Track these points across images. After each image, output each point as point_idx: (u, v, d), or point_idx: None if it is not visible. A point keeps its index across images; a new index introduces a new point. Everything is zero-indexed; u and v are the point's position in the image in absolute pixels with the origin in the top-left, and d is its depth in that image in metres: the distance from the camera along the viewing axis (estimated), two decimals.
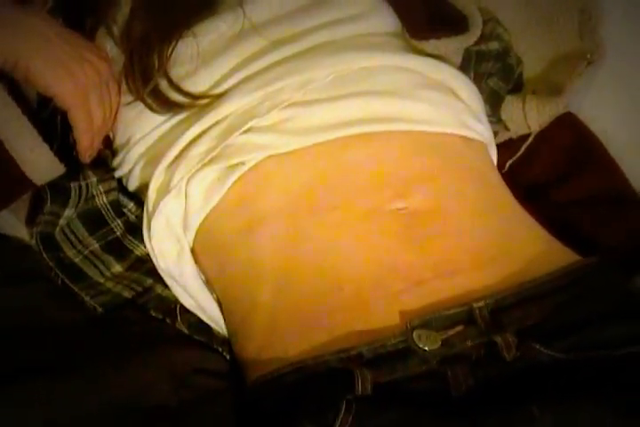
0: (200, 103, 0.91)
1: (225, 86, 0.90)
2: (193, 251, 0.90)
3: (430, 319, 0.78)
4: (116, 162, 0.95)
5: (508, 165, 1.07)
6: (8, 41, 0.84)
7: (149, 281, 0.93)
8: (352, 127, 0.86)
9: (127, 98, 0.93)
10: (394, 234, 0.83)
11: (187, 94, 0.90)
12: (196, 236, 0.89)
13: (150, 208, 0.89)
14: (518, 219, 0.90)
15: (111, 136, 0.96)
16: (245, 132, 0.87)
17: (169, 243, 0.90)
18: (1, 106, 0.84)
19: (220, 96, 0.90)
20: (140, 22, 0.94)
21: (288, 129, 0.87)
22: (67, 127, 0.90)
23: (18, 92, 0.89)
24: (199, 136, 0.88)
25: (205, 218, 0.88)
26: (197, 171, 0.87)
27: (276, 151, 0.86)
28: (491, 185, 0.92)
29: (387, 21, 0.99)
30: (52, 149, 0.87)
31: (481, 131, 0.95)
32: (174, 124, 0.91)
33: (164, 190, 0.88)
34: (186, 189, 0.87)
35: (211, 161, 0.87)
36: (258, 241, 0.85)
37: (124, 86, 0.94)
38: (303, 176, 0.86)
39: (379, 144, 0.87)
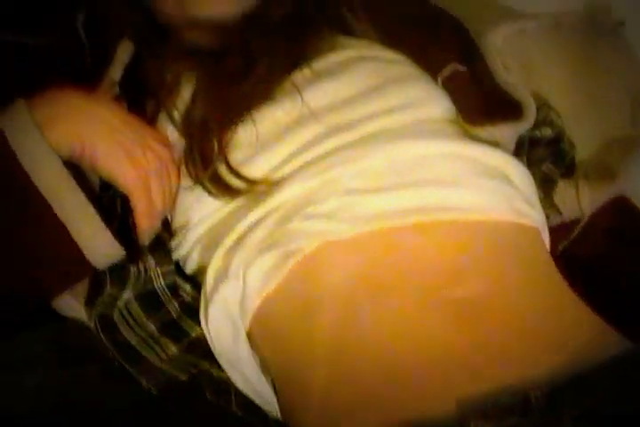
0: (258, 189, 0.91)
1: (283, 172, 0.92)
2: (249, 334, 0.91)
3: (486, 408, 0.77)
4: (173, 244, 0.96)
5: (559, 248, 1.06)
6: (76, 129, 0.87)
7: (205, 364, 0.93)
8: (407, 216, 0.87)
9: (186, 182, 0.94)
10: (449, 321, 0.83)
11: (245, 180, 0.92)
12: (252, 320, 0.90)
13: (208, 292, 0.90)
14: (570, 304, 0.90)
15: (169, 218, 0.97)
16: (303, 218, 0.88)
17: (225, 326, 0.91)
18: (66, 191, 0.85)
19: (278, 182, 0.91)
20: (200, 108, 0.96)
21: (345, 216, 0.88)
22: (127, 210, 0.92)
23: (82, 176, 0.90)
24: (257, 222, 0.89)
25: (262, 302, 0.88)
26: (255, 256, 0.87)
27: (332, 238, 0.87)
28: (543, 271, 0.92)
29: (442, 107, 1.00)
30: (111, 231, 0.88)
31: (534, 216, 0.96)
32: (232, 208, 0.92)
33: (222, 275, 0.89)
34: (244, 275, 0.88)
35: (268, 247, 0.87)
36: (314, 326, 0.86)
37: (183, 170, 0.95)
38: (359, 263, 0.86)
39: (434, 233, 0.87)
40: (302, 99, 0.95)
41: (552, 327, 0.86)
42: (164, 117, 0.99)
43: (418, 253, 0.87)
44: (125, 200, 0.92)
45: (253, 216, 0.90)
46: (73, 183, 0.86)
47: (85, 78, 1.02)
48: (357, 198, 0.89)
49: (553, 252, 1.04)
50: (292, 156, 0.93)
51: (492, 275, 0.87)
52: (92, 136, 0.88)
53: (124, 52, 1.05)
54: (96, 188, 0.94)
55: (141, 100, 1.03)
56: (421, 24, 1.11)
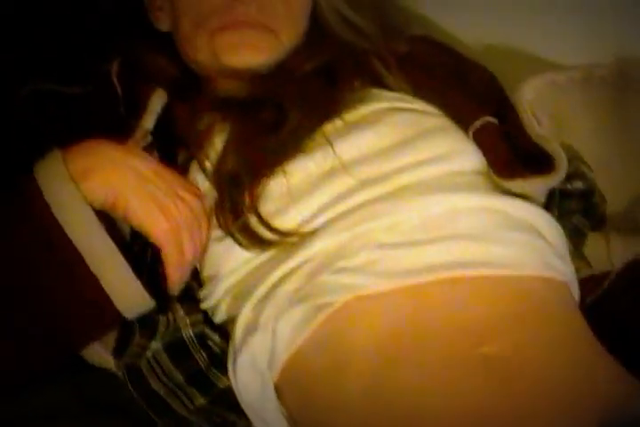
0: (289, 241, 0.91)
1: (314, 225, 0.92)
2: (277, 387, 0.91)
3: None
4: (202, 294, 0.96)
5: (588, 301, 1.06)
6: (109, 181, 0.88)
7: (232, 415, 0.93)
8: (438, 272, 0.87)
9: (217, 233, 0.95)
10: (478, 379, 0.83)
11: (276, 232, 0.92)
12: (280, 372, 0.90)
13: (237, 344, 0.90)
14: (599, 360, 0.89)
15: (198, 268, 0.97)
16: (333, 272, 0.88)
17: (253, 378, 0.91)
18: (98, 242, 0.86)
19: (309, 235, 0.91)
20: (232, 159, 0.97)
21: (376, 270, 0.88)
22: (157, 260, 0.92)
23: (112, 225, 0.91)
24: (288, 274, 0.90)
25: (291, 356, 0.88)
26: (285, 309, 0.87)
27: (363, 292, 0.87)
28: (572, 327, 0.92)
29: (472, 160, 1.00)
30: (141, 280, 0.88)
31: (564, 270, 0.95)
32: (263, 260, 0.93)
33: (252, 327, 0.89)
34: (273, 327, 0.88)
35: (299, 300, 0.88)
36: (343, 381, 0.86)
37: (214, 221, 0.95)
38: (389, 318, 0.86)
39: (464, 289, 0.87)
40: (334, 151, 0.95)
41: (582, 384, 0.85)
42: (196, 167, 0.99)
43: (447, 310, 0.87)
44: (156, 250, 0.92)
45: (284, 269, 0.90)
46: (105, 235, 0.87)
47: (119, 127, 1.03)
48: (388, 253, 0.89)
49: (581, 305, 1.03)
50: (323, 208, 0.93)
51: (521, 332, 0.87)
52: (125, 188, 0.88)
53: (156, 102, 1.06)
54: (126, 237, 0.94)
55: (173, 149, 1.04)
56: (453, 76, 1.11)
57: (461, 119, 1.05)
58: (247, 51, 1.04)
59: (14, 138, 1.03)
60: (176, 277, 0.92)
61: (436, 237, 0.90)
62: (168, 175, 0.93)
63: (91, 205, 0.88)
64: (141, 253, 0.94)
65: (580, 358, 0.88)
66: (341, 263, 0.89)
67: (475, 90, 1.10)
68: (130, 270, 0.87)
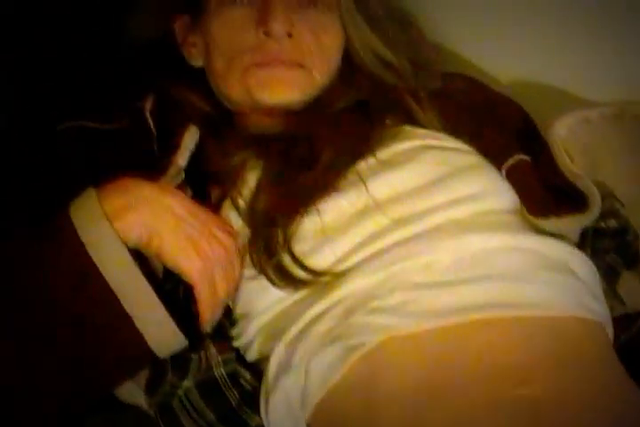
0: (322, 280, 0.91)
1: (347, 264, 0.92)
2: (309, 426, 0.90)
3: None
4: (234, 332, 0.96)
5: (622, 340, 1.05)
6: (144, 219, 0.88)
7: None
8: (472, 313, 0.87)
9: (250, 271, 0.95)
10: (514, 420, 0.82)
11: (310, 271, 0.91)
12: (313, 412, 0.89)
13: (270, 383, 0.90)
14: (635, 401, 0.88)
15: (231, 305, 0.97)
16: (367, 312, 0.87)
17: (285, 417, 0.91)
18: (132, 281, 0.86)
19: (343, 274, 0.91)
20: (265, 197, 0.97)
21: (409, 311, 0.87)
22: (189, 298, 0.92)
23: (146, 263, 0.91)
24: (321, 314, 0.90)
25: (324, 396, 0.88)
26: (318, 349, 0.87)
27: (396, 333, 0.87)
28: (607, 367, 0.92)
29: (505, 199, 1.00)
30: (173, 318, 0.88)
31: (598, 310, 0.95)
32: (296, 299, 0.93)
33: (284, 367, 0.89)
34: (306, 367, 0.87)
35: (332, 340, 0.87)
36: (376, 423, 0.86)
37: (247, 259, 0.95)
38: (423, 360, 0.86)
39: (499, 330, 0.87)
40: (367, 190, 0.95)
41: (619, 421, 0.84)
42: (229, 205, 0.99)
43: (481, 351, 0.86)
44: (188, 288, 0.92)
45: (317, 308, 0.90)
46: (139, 274, 0.87)
47: (152, 164, 1.03)
48: (422, 293, 0.89)
49: (615, 343, 1.02)
50: (357, 248, 0.93)
51: (556, 373, 0.86)
52: (160, 227, 0.89)
53: (190, 139, 1.06)
54: (159, 274, 0.94)
55: (206, 186, 1.04)
56: (486, 112, 1.11)
57: (494, 156, 1.05)
58: (280, 88, 1.04)
59: (50, 173, 1.03)
60: (209, 316, 0.92)
61: (469, 277, 0.90)
62: (202, 214, 0.93)
63: (125, 244, 0.87)
64: (174, 291, 0.94)
65: (614, 399, 0.87)
66: (375, 303, 0.88)
67: (507, 126, 1.10)
68: (164, 310, 0.87)
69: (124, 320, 0.86)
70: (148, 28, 1.14)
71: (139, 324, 0.86)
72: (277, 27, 1.01)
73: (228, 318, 0.98)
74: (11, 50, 1.19)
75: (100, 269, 0.85)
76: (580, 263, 0.97)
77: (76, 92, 1.21)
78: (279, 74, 1.04)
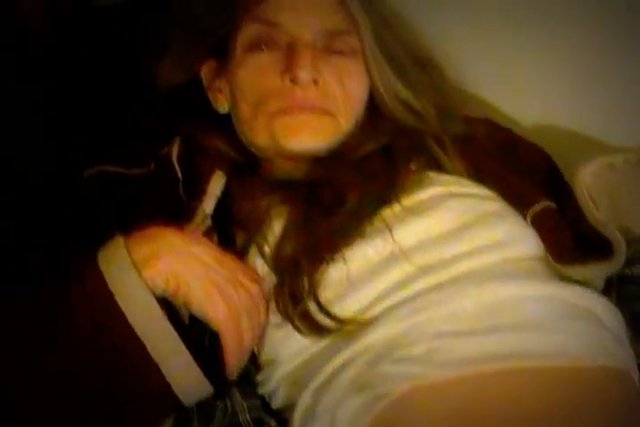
0: (348, 328, 0.91)
1: (373, 312, 0.92)
2: None
3: None
4: (259, 378, 0.96)
5: None
6: (172, 268, 0.89)
7: None
8: (497, 362, 0.87)
9: (276, 318, 0.95)
10: None
11: (335, 319, 0.92)
12: None
13: None
14: None
15: (256, 352, 0.97)
16: (392, 361, 0.88)
17: None
18: (159, 330, 0.87)
19: (368, 322, 0.91)
20: (291, 244, 0.97)
21: (434, 360, 0.88)
22: (215, 345, 0.92)
23: (172, 311, 0.91)
24: (346, 363, 0.90)
25: None
26: (344, 398, 0.87)
27: (421, 382, 0.87)
28: (634, 414, 0.91)
29: (531, 246, 1.00)
30: (198, 365, 0.89)
31: (623, 357, 0.95)
32: (321, 347, 0.93)
33: (310, 415, 0.89)
34: (332, 416, 0.87)
35: (357, 389, 0.88)
36: None
37: (272, 306, 0.95)
38: (448, 409, 0.86)
39: (524, 380, 0.87)
40: (393, 238, 0.95)
41: None
42: (255, 251, 1.00)
43: (505, 401, 0.86)
44: (214, 335, 0.92)
45: (342, 357, 0.90)
46: (167, 323, 0.87)
47: (179, 209, 1.04)
48: (447, 342, 0.89)
49: None
50: (382, 296, 0.93)
51: (580, 424, 0.86)
52: (187, 275, 0.89)
53: (216, 185, 1.07)
54: (186, 320, 0.95)
55: (232, 232, 1.05)
56: (510, 158, 1.11)
57: (519, 203, 1.05)
58: (305, 134, 1.05)
59: (77, 219, 1.04)
60: (234, 363, 0.92)
61: (494, 325, 0.90)
62: (228, 261, 0.94)
63: (153, 292, 0.87)
64: (200, 337, 0.94)
65: None
66: (400, 352, 0.89)
67: (532, 172, 1.10)
68: (191, 359, 0.87)
69: (150, 368, 0.86)
70: (175, 73, 1.14)
71: (165, 372, 0.86)
72: (304, 74, 1.02)
73: (254, 364, 0.98)
74: (43, 93, 1.21)
75: (128, 318, 0.86)
76: (606, 311, 0.97)
77: (103, 137, 1.22)
78: (305, 120, 1.04)
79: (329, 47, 1.08)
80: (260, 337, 0.96)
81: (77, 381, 0.85)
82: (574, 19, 1.17)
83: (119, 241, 0.90)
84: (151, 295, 0.87)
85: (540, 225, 1.02)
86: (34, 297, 0.88)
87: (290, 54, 1.05)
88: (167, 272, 0.89)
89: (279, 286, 0.95)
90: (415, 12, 1.24)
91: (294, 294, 0.94)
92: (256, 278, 0.96)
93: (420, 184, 1.04)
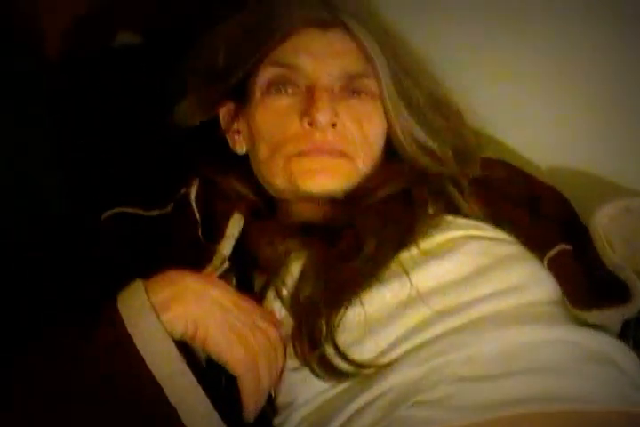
0: (365, 372, 0.91)
1: (390, 356, 0.92)
2: None
3: None
4: (276, 421, 0.97)
5: None
6: (190, 312, 0.90)
7: None
8: (515, 407, 0.87)
9: (293, 362, 0.95)
10: None
11: (353, 363, 0.92)
12: None
13: None
14: None
15: (273, 395, 0.97)
16: (410, 406, 0.88)
17: None
18: (178, 374, 0.87)
19: (386, 366, 0.91)
20: (309, 287, 0.98)
21: (453, 405, 0.87)
22: (232, 388, 0.92)
23: (190, 354, 0.92)
24: (364, 407, 0.90)
25: None
26: None
27: None
28: None
29: (547, 289, 1.01)
30: (215, 407, 0.89)
31: None
32: (339, 391, 0.93)
33: None
34: None
35: None
36: None
37: (290, 350, 0.95)
38: None
39: (542, 425, 0.87)
40: (411, 281, 0.96)
41: None
42: (273, 294, 1.00)
43: None
44: (230, 377, 0.92)
45: (360, 401, 0.90)
46: (185, 368, 0.88)
47: (197, 250, 1.05)
48: (465, 386, 0.89)
49: None
50: (400, 340, 0.93)
51: None
52: (206, 319, 0.90)
53: (234, 227, 1.08)
54: (203, 362, 0.95)
55: (251, 275, 1.05)
56: (527, 200, 1.12)
57: (536, 246, 1.05)
58: (323, 176, 1.05)
59: (96, 263, 1.05)
60: (252, 406, 0.93)
61: (513, 370, 0.90)
62: (246, 305, 0.94)
63: (171, 336, 0.88)
64: (217, 380, 0.94)
65: None
66: (418, 397, 0.89)
67: (549, 215, 1.11)
68: (208, 402, 0.88)
69: (167, 411, 0.87)
70: (194, 115, 1.15)
71: (183, 415, 0.87)
72: (322, 118, 1.03)
73: (271, 405, 0.98)
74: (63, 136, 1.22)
75: (146, 360, 0.86)
76: (623, 355, 0.97)
77: (121, 179, 1.23)
78: (322, 163, 1.05)
79: (347, 89, 1.09)
80: (278, 380, 0.96)
81: (97, 421, 0.85)
82: (591, 65, 1.18)
83: (139, 284, 0.91)
84: (169, 339, 0.88)
85: (557, 268, 1.02)
86: (54, 342, 0.88)
87: (308, 97, 1.06)
88: (186, 316, 0.89)
89: (297, 330, 0.96)
90: (432, 52, 1.25)
91: (312, 337, 0.94)
92: (274, 322, 0.96)
93: (437, 227, 1.04)
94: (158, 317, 0.88)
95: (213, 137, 1.17)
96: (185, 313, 0.90)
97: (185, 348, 0.92)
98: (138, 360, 0.86)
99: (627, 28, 1.15)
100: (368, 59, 1.10)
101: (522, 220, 1.07)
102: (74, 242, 1.09)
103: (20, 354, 0.88)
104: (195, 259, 1.02)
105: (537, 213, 1.10)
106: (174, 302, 0.90)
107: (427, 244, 1.01)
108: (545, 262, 1.03)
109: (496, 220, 1.07)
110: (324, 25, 1.10)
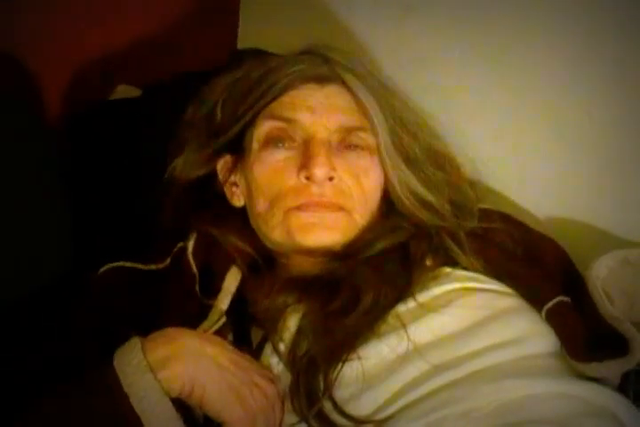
0: None
1: (388, 411, 0.92)
2: None
3: None
4: None
5: None
6: (188, 370, 0.90)
7: None
8: None
9: (291, 418, 0.95)
10: None
11: (351, 418, 0.91)
12: None
13: None
14: None
15: None
16: None
17: None
18: None
19: (384, 422, 0.91)
20: (307, 342, 0.97)
21: None
22: None
23: (187, 412, 0.92)
24: None
25: None
26: None
27: None
28: None
29: (546, 342, 1.00)
30: None
31: None
32: None
33: None
34: None
35: None
36: None
37: (288, 405, 0.95)
38: None
39: None
40: (408, 336, 0.95)
41: None
42: (270, 349, 1.00)
43: None
44: None
45: None
46: (181, 425, 0.87)
47: (194, 306, 1.05)
48: None
49: None
50: (398, 395, 0.93)
51: None
52: (203, 377, 0.90)
53: (231, 282, 1.08)
54: (200, 420, 0.95)
55: (247, 330, 1.05)
56: (526, 253, 1.12)
57: (534, 298, 1.05)
58: (321, 230, 1.06)
59: (94, 315, 1.05)
60: None
61: (510, 424, 0.90)
62: (244, 362, 0.94)
63: (168, 394, 0.87)
64: None
65: None
66: None
67: (547, 267, 1.10)
68: None
69: None
70: (191, 169, 1.15)
71: None
72: (319, 172, 1.03)
73: None
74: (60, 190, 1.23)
75: (143, 420, 0.86)
76: (623, 408, 0.96)
77: (119, 233, 1.23)
78: (320, 217, 1.05)
79: (344, 143, 1.09)
80: None
81: None
82: (590, 118, 1.19)
83: (136, 342, 0.91)
84: (166, 398, 0.87)
85: (556, 321, 1.02)
86: (52, 403, 0.88)
87: (305, 151, 1.06)
88: (183, 374, 0.89)
89: (294, 385, 0.95)
90: (435, 107, 1.26)
91: (310, 393, 0.94)
92: (271, 378, 0.96)
93: (435, 280, 1.04)
94: (155, 375, 0.87)
95: (211, 191, 1.16)
96: (182, 372, 0.89)
97: (182, 406, 0.91)
98: (134, 420, 0.86)
99: (628, 79, 1.16)
100: (365, 113, 1.10)
101: (520, 272, 1.07)
102: (73, 297, 1.09)
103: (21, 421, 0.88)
104: (192, 314, 1.02)
105: (535, 265, 1.10)
106: (171, 361, 0.90)
107: (424, 297, 1.01)
108: (543, 315, 1.02)
109: (494, 272, 1.07)
110: (322, 80, 1.10)
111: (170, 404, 0.87)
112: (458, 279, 1.05)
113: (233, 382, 0.91)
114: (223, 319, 1.02)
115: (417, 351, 0.95)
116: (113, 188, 1.30)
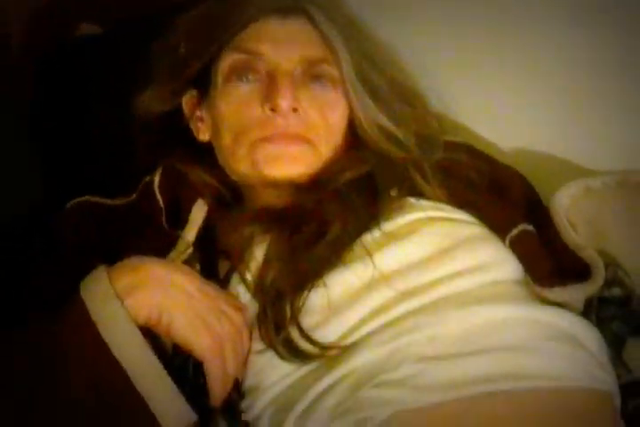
0: (330, 354, 0.92)
1: (354, 338, 0.93)
2: None
3: None
4: (244, 405, 0.97)
5: (630, 407, 1.05)
6: (155, 298, 0.90)
7: None
8: (479, 386, 0.88)
9: (258, 345, 0.96)
10: None
11: (317, 345, 0.92)
12: None
13: None
14: None
15: (239, 379, 0.97)
16: (374, 386, 0.88)
17: None
18: (143, 360, 0.88)
19: (350, 348, 0.92)
20: (273, 271, 0.98)
21: (416, 384, 0.88)
22: (198, 373, 0.93)
23: (155, 342, 0.92)
24: (329, 388, 0.90)
25: None
26: (327, 424, 0.88)
27: (404, 407, 0.87)
28: None
29: (510, 269, 1.01)
30: (182, 393, 0.89)
31: (605, 379, 0.96)
32: (304, 373, 0.94)
33: None
34: None
35: (340, 414, 0.88)
36: None
37: (255, 333, 0.96)
38: None
39: (507, 402, 0.88)
40: (374, 263, 0.96)
41: None
42: (237, 279, 1.01)
43: (489, 424, 0.87)
44: (198, 364, 0.93)
45: (325, 382, 0.91)
46: (150, 353, 0.88)
47: (161, 238, 1.05)
48: (429, 366, 0.90)
49: (624, 410, 1.02)
50: (364, 321, 0.94)
51: None
52: (170, 305, 0.91)
53: (198, 214, 1.08)
54: (169, 350, 0.95)
55: (214, 261, 1.05)
56: (490, 183, 1.12)
57: (498, 227, 1.06)
58: (287, 162, 1.06)
59: (59, 250, 1.05)
60: (219, 391, 0.93)
61: (476, 349, 0.91)
62: (210, 290, 0.95)
63: (135, 322, 0.88)
64: (183, 366, 0.94)
65: None
66: (382, 377, 0.89)
67: (511, 197, 1.11)
68: (175, 387, 0.88)
69: (134, 398, 0.87)
70: (157, 103, 1.15)
71: (149, 400, 0.87)
72: (284, 103, 1.03)
73: (238, 391, 0.98)
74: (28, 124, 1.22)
75: (111, 347, 0.87)
76: (586, 333, 0.98)
77: (84, 168, 1.23)
78: (285, 148, 1.06)
79: (308, 75, 1.09)
80: (244, 365, 0.96)
81: (62, 408, 0.86)
82: (557, 49, 1.19)
83: (102, 272, 0.91)
84: (134, 325, 0.88)
85: (520, 249, 1.03)
86: (19, 336, 0.89)
87: (270, 84, 1.06)
88: (149, 302, 0.90)
89: (262, 314, 0.96)
90: (398, 38, 1.25)
91: (277, 321, 0.95)
92: (239, 307, 0.97)
93: (400, 210, 1.05)
94: (122, 303, 0.88)
95: (177, 125, 1.16)
96: (148, 299, 0.90)
97: (150, 335, 0.92)
98: (102, 347, 0.87)
99: (587, 14, 1.16)
100: (329, 45, 1.10)
101: (484, 201, 1.08)
102: (40, 231, 1.09)
103: None
104: (159, 246, 1.03)
105: (499, 195, 1.10)
106: (138, 289, 0.90)
107: (389, 226, 1.02)
108: (507, 243, 1.03)
109: (459, 203, 1.08)
110: (286, 12, 1.10)
111: (137, 330, 0.88)
112: (422, 209, 1.05)
113: (201, 310, 0.91)
114: (190, 250, 1.02)
115: (383, 279, 0.96)
116: (82, 125, 1.29)
